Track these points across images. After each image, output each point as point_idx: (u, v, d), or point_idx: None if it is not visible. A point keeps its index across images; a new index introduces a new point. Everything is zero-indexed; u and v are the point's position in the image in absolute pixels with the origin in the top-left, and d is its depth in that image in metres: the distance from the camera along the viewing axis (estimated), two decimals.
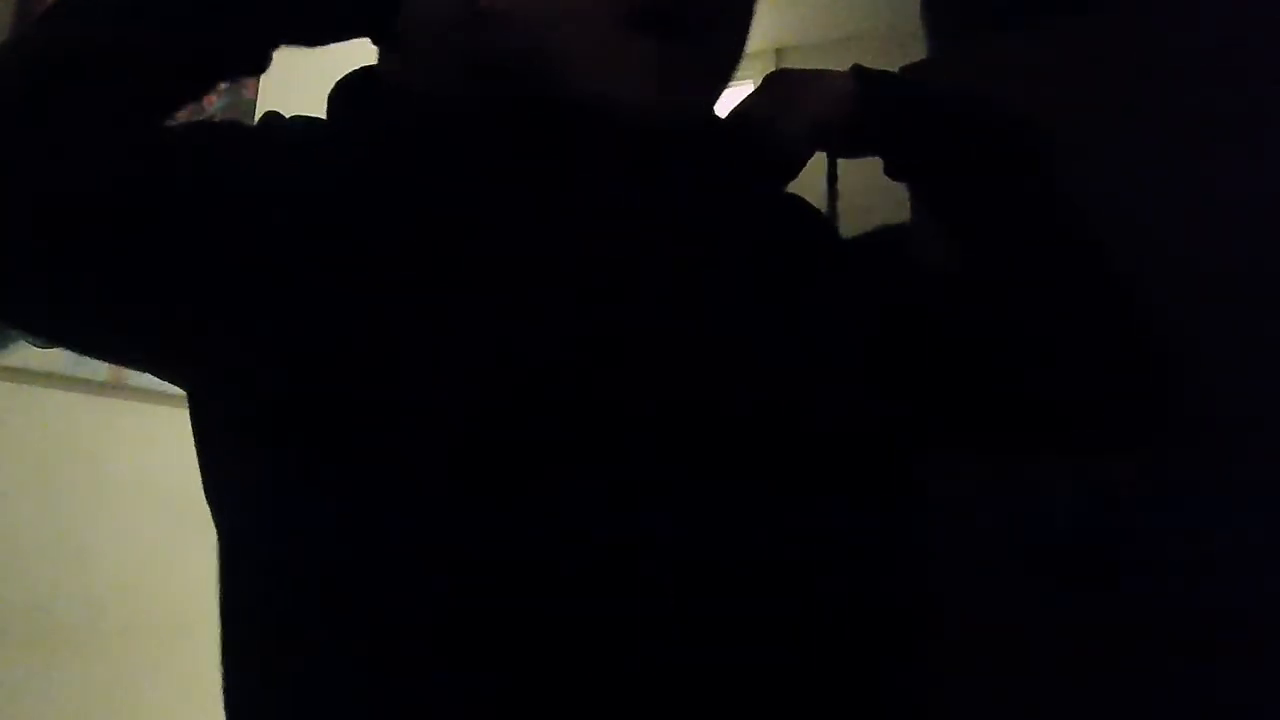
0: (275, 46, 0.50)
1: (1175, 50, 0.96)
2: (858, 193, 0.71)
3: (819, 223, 0.65)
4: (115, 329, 0.49)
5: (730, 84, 0.59)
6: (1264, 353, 0.85)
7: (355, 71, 0.59)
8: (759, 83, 0.64)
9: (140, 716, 1.72)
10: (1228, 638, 0.81)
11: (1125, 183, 0.92)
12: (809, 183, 0.65)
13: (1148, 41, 0.98)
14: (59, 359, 1.63)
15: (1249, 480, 0.83)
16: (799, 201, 0.64)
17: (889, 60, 1.29)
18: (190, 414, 0.53)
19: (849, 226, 0.68)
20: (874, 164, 0.65)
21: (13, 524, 1.55)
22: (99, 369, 1.70)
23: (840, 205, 0.70)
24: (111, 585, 1.70)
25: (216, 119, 0.59)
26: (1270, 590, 0.80)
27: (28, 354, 1.58)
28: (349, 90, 0.59)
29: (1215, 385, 0.76)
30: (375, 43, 0.56)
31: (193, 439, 0.52)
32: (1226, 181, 0.90)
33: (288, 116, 0.56)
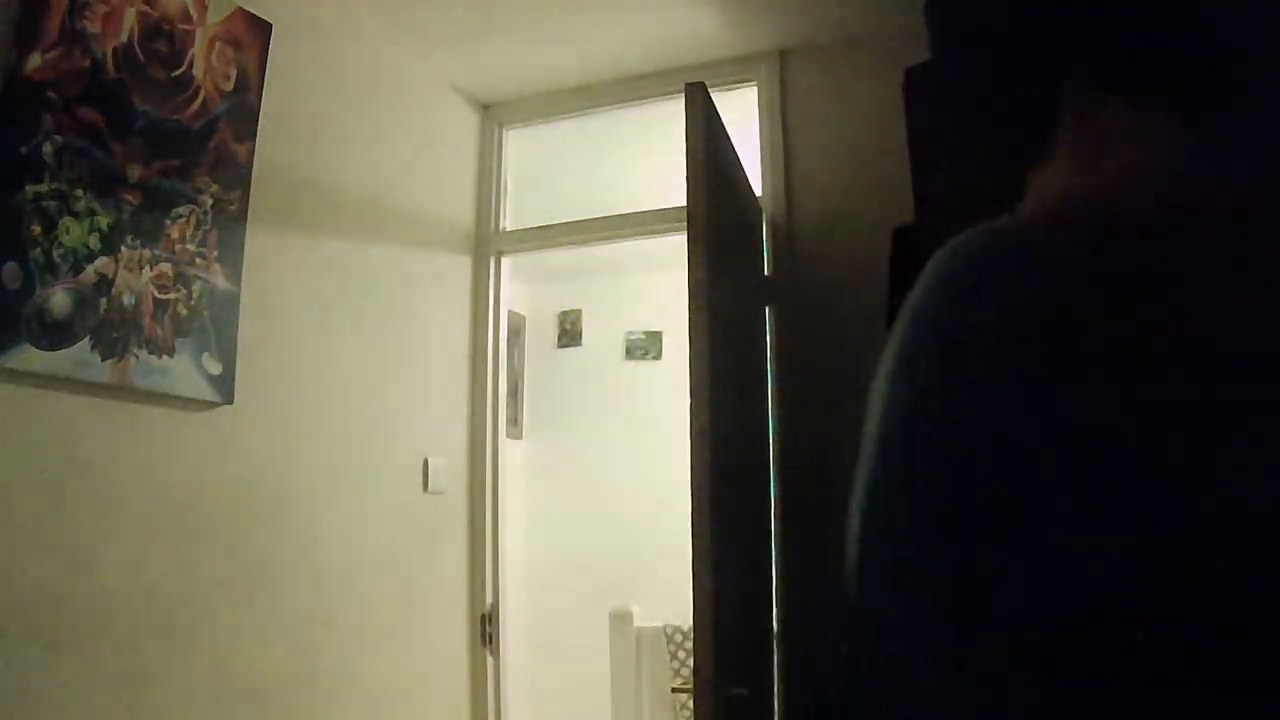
0: None
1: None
2: None
3: None
4: None
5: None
6: None
7: None
8: None
9: (140, 716, 1.72)
10: None
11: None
12: None
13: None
14: (61, 361, 1.63)
15: None
16: None
17: (892, 62, 1.29)
18: None
19: None
20: None
21: (15, 524, 1.55)
22: (101, 371, 1.70)
23: None
24: (113, 586, 1.70)
25: None
26: None
27: (30, 356, 1.58)
28: None
29: None
30: None
31: None
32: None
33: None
